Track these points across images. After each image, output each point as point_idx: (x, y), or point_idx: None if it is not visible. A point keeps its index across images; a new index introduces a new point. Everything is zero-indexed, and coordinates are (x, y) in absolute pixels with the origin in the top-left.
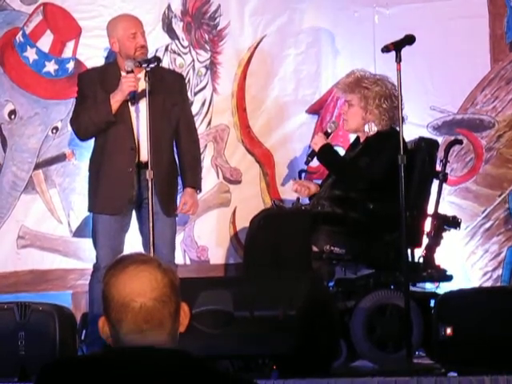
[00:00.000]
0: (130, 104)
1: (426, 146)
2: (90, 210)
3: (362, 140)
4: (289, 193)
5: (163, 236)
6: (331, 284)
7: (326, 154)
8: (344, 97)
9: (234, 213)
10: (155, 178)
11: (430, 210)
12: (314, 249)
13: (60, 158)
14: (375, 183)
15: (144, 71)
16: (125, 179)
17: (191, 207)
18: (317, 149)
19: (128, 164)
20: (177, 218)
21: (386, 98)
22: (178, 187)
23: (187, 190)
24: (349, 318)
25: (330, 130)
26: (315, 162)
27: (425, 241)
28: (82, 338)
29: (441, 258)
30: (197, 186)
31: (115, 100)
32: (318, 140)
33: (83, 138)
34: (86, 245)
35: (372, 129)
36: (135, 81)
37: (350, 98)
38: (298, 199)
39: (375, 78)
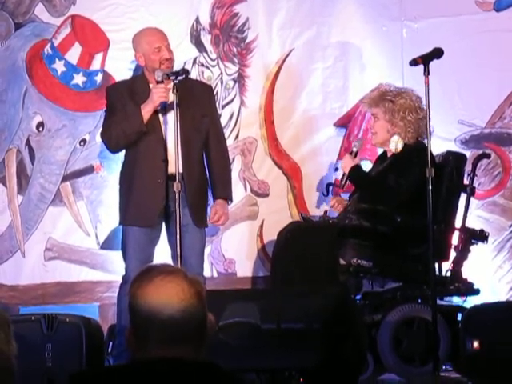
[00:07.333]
0: (160, 115)
1: (453, 160)
2: (121, 222)
3: (389, 155)
4: (316, 206)
5: (192, 248)
6: (358, 297)
7: (355, 175)
8: (370, 111)
9: (261, 226)
10: (186, 190)
11: (458, 223)
12: (341, 262)
13: (88, 170)
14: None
15: (172, 83)
16: (156, 191)
17: (221, 217)
18: (347, 171)
19: (159, 175)
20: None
21: (410, 110)
22: (208, 198)
23: (218, 201)
24: (376, 332)
25: (355, 149)
26: (341, 175)
27: (452, 254)
28: (109, 350)
29: (468, 271)
30: (228, 197)
31: (146, 110)
32: (346, 163)
33: (114, 150)
34: (114, 257)
35: (398, 146)
36: (166, 91)
37: (375, 111)
38: (326, 212)
39: (400, 90)
